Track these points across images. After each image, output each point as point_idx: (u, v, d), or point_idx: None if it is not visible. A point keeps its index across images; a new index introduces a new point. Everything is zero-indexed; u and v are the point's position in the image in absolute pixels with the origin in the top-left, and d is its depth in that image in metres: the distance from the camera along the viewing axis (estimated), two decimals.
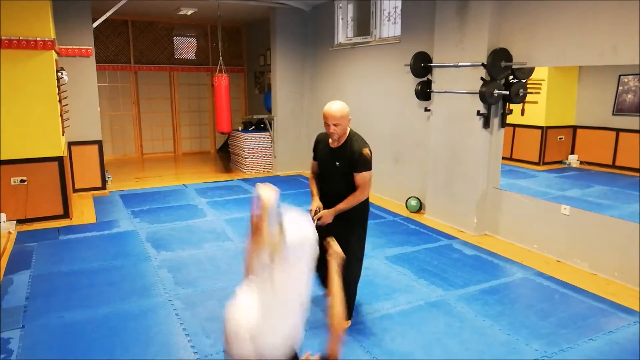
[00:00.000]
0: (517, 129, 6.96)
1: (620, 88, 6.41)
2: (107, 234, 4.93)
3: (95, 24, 6.62)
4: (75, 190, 6.55)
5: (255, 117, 8.79)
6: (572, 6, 3.97)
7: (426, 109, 5.52)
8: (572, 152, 7.02)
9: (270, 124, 8.33)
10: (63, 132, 5.66)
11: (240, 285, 1.87)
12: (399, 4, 6.07)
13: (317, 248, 1.75)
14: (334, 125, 2.84)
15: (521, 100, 4.71)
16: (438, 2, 5.12)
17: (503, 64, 4.49)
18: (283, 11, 7.82)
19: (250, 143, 8.22)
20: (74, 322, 3.12)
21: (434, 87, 5.34)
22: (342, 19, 7.31)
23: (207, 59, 10.23)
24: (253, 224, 1.83)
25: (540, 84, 6.56)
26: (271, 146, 8.36)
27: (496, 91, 4.55)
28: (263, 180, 8.20)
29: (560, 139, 6.99)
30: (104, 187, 6.82)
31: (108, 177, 7.17)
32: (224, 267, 4.06)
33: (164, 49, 9.82)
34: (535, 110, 6.67)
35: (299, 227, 1.69)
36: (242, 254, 4.29)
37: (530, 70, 4.69)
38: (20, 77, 4.97)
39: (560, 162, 7.03)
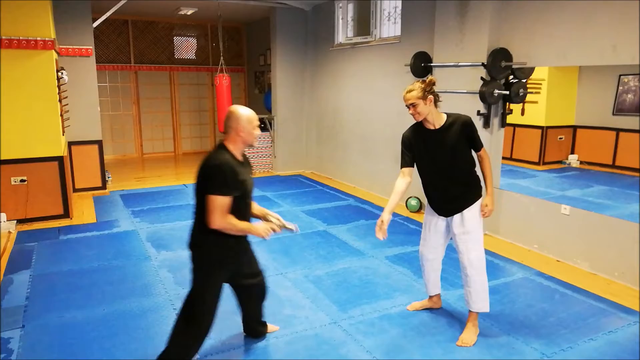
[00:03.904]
0: (517, 128, 6.96)
1: (620, 88, 6.41)
2: (107, 234, 4.93)
3: (95, 24, 6.62)
4: (75, 190, 6.55)
5: None
6: (572, 6, 3.97)
7: None
8: (572, 152, 7.02)
9: (270, 124, 8.33)
10: (63, 132, 5.66)
11: None
12: (399, 4, 6.07)
13: None
14: None
15: (521, 100, 4.71)
16: (438, 2, 5.12)
17: (503, 63, 4.49)
18: (283, 11, 7.82)
19: None
20: (74, 322, 3.12)
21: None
22: (342, 18, 7.31)
23: (207, 58, 10.23)
24: None
25: (540, 84, 6.55)
26: (271, 146, 8.36)
27: (496, 91, 4.55)
28: (263, 179, 8.17)
29: (560, 138, 6.99)
30: (104, 186, 6.82)
31: (108, 177, 7.17)
32: None
33: (164, 49, 9.82)
34: (535, 110, 6.67)
35: None
36: None
37: (530, 70, 4.69)
38: (20, 77, 4.97)
39: (560, 162, 7.03)
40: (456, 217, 2.88)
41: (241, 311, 2.83)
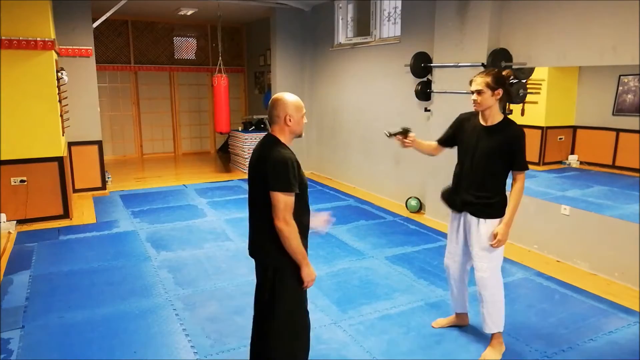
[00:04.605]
0: None
1: (620, 88, 6.40)
2: (107, 234, 4.93)
3: (95, 24, 6.62)
4: (75, 191, 6.55)
5: (255, 117, 8.80)
6: (573, 6, 3.97)
7: (426, 109, 5.51)
8: (572, 152, 7.02)
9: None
10: (63, 132, 5.66)
11: None
12: (399, 4, 6.07)
13: None
14: None
15: (521, 100, 4.71)
16: (438, 2, 5.12)
17: (503, 64, 4.49)
18: (283, 11, 7.82)
19: (250, 143, 8.22)
20: (74, 322, 3.12)
21: (434, 87, 5.34)
22: (342, 19, 7.31)
23: (207, 59, 10.23)
24: None
25: (540, 84, 6.55)
26: None
27: None
28: None
29: (560, 139, 6.99)
30: (104, 187, 6.82)
31: (108, 177, 7.17)
32: (224, 267, 4.06)
33: (164, 49, 9.83)
34: (535, 111, 6.66)
35: None
36: (242, 254, 4.29)
37: (530, 70, 4.69)
38: (20, 77, 4.97)
39: (560, 162, 7.03)
40: (473, 224, 2.71)
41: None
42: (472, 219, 2.71)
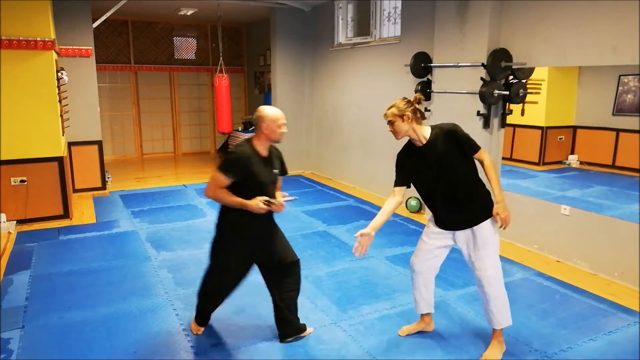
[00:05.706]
0: (517, 129, 6.95)
1: (620, 88, 6.40)
2: (107, 234, 4.93)
3: (95, 24, 6.62)
4: (75, 191, 6.55)
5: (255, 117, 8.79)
6: (572, 6, 3.97)
7: (426, 109, 5.51)
8: (572, 152, 7.02)
9: None
10: (63, 132, 5.66)
11: None
12: (399, 4, 6.07)
13: None
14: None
15: (521, 100, 4.71)
16: (438, 2, 5.12)
17: (503, 64, 4.49)
18: (283, 11, 7.82)
19: None
20: (74, 322, 3.12)
21: (434, 87, 5.34)
22: (342, 19, 7.31)
23: (207, 59, 10.23)
24: None
25: (540, 84, 6.55)
26: None
27: (496, 91, 4.55)
28: None
29: (560, 139, 6.99)
30: (104, 187, 6.82)
31: (108, 177, 7.17)
32: None
33: (164, 49, 9.83)
34: (535, 111, 6.66)
35: None
36: None
37: (530, 70, 4.69)
38: (20, 77, 4.97)
39: (560, 162, 7.03)
40: (463, 234, 2.68)
41: (272, 302, 2.93)
42: (463, 232, 2.68)
